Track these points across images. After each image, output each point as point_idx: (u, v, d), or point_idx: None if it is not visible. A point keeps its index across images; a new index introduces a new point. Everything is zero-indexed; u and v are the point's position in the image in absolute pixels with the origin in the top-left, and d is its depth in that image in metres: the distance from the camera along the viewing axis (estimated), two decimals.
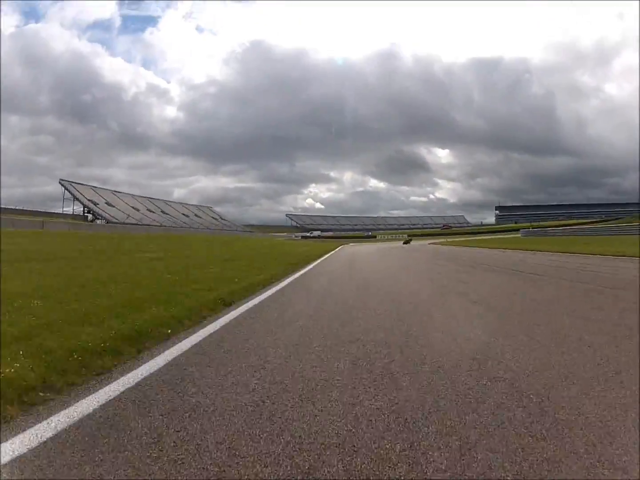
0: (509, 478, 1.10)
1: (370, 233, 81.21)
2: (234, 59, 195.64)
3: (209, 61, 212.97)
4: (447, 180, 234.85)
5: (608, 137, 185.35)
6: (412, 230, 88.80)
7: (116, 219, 60.48)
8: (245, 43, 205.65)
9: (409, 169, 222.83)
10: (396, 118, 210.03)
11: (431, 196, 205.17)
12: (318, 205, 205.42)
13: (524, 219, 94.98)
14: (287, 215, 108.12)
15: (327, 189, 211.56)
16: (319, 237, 71.37)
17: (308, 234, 76.96)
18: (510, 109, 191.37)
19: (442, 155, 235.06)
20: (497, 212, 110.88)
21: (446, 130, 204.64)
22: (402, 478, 1.12)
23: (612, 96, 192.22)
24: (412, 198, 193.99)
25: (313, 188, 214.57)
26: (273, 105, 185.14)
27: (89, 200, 65.29)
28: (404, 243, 39.59)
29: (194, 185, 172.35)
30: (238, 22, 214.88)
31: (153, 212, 75.94)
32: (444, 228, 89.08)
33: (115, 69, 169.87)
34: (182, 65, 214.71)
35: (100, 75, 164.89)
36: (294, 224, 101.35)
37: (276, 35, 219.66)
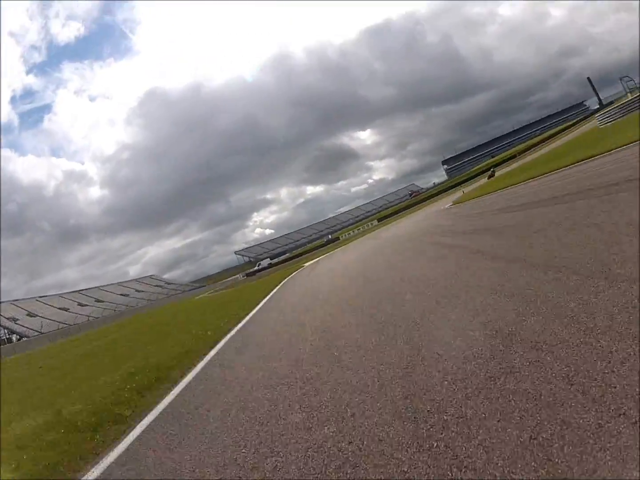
0: None
1: (330, 236, 67.73)
2: (133, 115, 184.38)
3: (112, 127, 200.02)
4: (379, 160, 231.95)
5: (517, 57, 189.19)
6: (375, 215, 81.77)
7: (35, 330, 49.55)
8: (140, 95, 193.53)
9: (338, 162, 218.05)
10: (308, 117, 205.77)
11: (370, 180, 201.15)
12: (268, 231, 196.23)
13: (472, 164, 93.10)
14: (235, 253, 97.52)
15: (269, 213, 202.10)
16: (269, 265, 59.95)
17: (257, 267, 64.75)
18: (414, 66, 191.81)
19: (364, 136, 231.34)
20: (445, 166, 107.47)
21: (360, 111, 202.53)
22: None
23: (508, 17, 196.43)
24: (354, 190, 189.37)
25: (256, 217, 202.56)
26: (187, 149, 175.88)
27: (8, 318, 54.06)
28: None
29: (145, 257, 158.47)
30: (127, 77, 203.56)
31: (86, 305, 65.32)
32: (414, 196, 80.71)
33: (29, 167, 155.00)
34: (89, 142, 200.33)
35: (18, 179, 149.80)
36: (246, 259, 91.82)
37: (168, 77, 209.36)
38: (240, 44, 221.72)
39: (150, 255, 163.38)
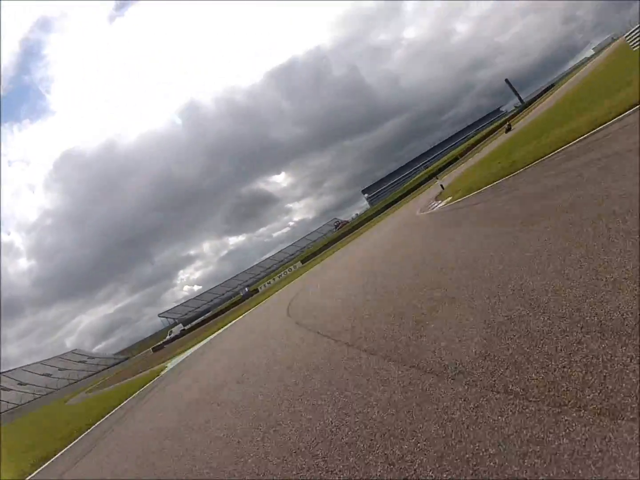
0: None
1: (247, 289, 62.60)
2: (51, 179, 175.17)
3: (32, 193, 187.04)
4: (297, 201, 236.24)
5: (426, 78, 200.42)
6: (298, 256, 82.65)
7: None
8: (56, 158, 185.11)
9: (257, 209, 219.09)
10: (222, 166, 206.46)
11: (291, 223, 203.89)
12: (196, 287, 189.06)
13: (393, 188, 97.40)
14: (159, 316, 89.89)
15: (194, 269, 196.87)
16: (181, 333, 53.31)
17: (169, 336, 57.40)
18: (322, 101, 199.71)
19: (280, 180, 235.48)
20: (366, 195, 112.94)
21: (273, 154, 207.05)
22: None
23: (414, 39, 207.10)
24: (275, 234, 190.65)
25: (182, 274, 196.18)
26: (106, 212, 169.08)
27: None
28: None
29: (80, 326, 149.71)
30: (43, 139, 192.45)
31: (9, 389, 59.73)
32: (340, 226, 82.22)
33: None
34: (12, 210, 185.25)
35: None
36: (171, 321, 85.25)
37: (82, 136, 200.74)
38: (150, 97, 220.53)
39: (84, 324, 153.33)
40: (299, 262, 57.79)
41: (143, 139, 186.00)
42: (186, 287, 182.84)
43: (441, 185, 23.56)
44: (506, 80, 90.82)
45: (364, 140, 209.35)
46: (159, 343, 54.04)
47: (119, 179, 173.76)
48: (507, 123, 41.14)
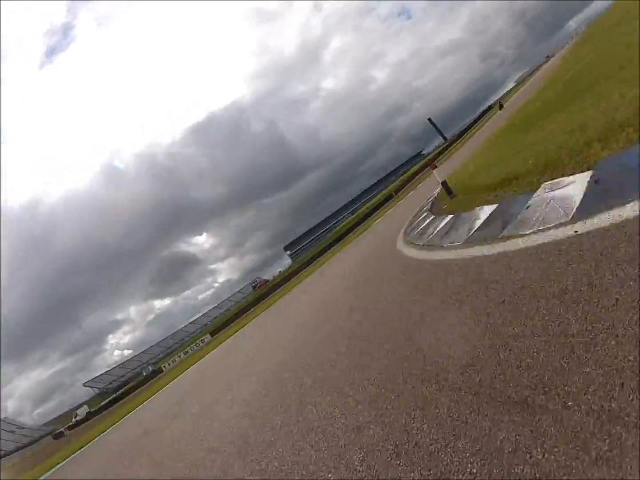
0: None
1: (151, 368, 54.46)
2: None
3: None
4: (220, 262, 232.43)
5: (343, 129, 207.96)
6: (223, 314, 77.05)
7: None
8: None
9: (181, 271, 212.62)
10: (144, 227, 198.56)
11: (216, 284, 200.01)
12: (126, 352, 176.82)
13: (315, 243, 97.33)
14: (84, 385, 79.01)
15: (123, 334, 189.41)
16: (88, 415, 46.27)
17: (74, 419, 49.94)
18: (241, 158, 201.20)
19: (202, 240, 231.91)
20: (288, 252, 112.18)
21: (193, 215, 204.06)
22: None
23: (332, 89, 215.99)
24: (201, 297, 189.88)
25: (112, 339, 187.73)
26: (30, 275, 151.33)
27: None
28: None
29: (17, 391, 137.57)
30: None
31: None
32: (259, 286, 77.12)
33: None
34: None
35: None
36: (97, 391, 75.44)
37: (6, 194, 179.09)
38: (72, 156, 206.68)
39: (21, 389, 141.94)
40: (213, 332, 51.26)
41: (67, 199, 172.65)
42: (117, 352, 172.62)
43: (444, 186, 9.19)
44: (429, 119, 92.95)
45: (285, 196, 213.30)
46: (60, 430, 46.45)
47: (41, 240, 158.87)
48: (499, 102, 47.26)
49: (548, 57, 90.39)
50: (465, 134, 56.05)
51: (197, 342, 51.01)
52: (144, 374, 54.14)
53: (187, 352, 49.16)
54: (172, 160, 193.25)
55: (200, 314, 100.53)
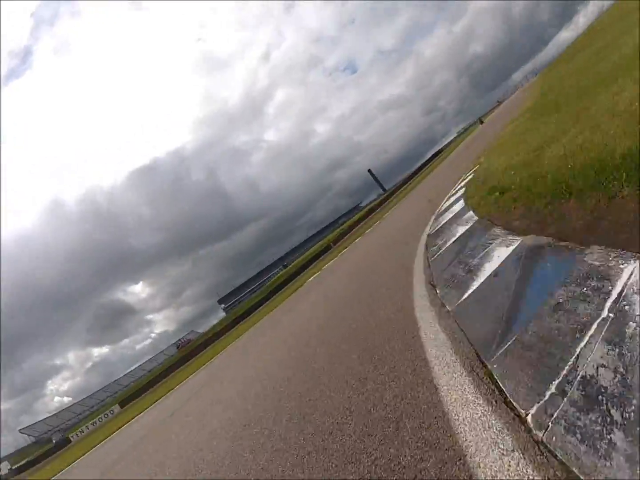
0: None
1: (55, 440, 46.77)
2: None
3: None
4: (157, 312, 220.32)
5: (283, 181, 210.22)
6: (139, 379, 69.05)
7: None
8: None
9: (118, 320, 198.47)
10: (82, 273, 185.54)
11: (152, 335, 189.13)
12: (66, 399, 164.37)
13: (249, 295, 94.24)
14: (20, 431, 69.45)
15: (62, 380, 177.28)
16: (9, 472, 39.05)
17: None
18: (181, 206, 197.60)
19: (138, 290, 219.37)
20: (222, 305, 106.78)
21: (130, 263, 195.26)
22: None
23: (274, 141, 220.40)
24: (138, 347, 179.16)
25: (51, 384, 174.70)
26: None
27: None
28: None
29: None
30: None
31: None
32: (183, 346, 69.81)
33: None
34: None
35: None
36: (32, 438, 65.93)
37: None
38: (11, 195, 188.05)
39: None
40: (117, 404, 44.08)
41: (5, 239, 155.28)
42: (57, 399, 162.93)
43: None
44: (369, 170, 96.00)
45: (223, 247, 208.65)
46: None
47: None
48: (479, 119, 54.77)
49: (499, 102, 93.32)
50: (406, 184, 57.21)
51: (106, 412, 44.44)
52: (54, 440, 46.62)
53: (95, 423, 42.79)
54: (112, 204, 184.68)
55: (138, 364, 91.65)
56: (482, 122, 57.78)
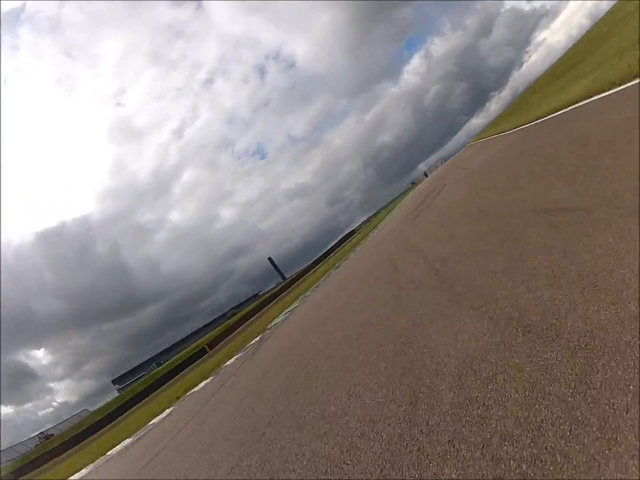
0: None
1: None
2: None
3: None
4: (58, 381, 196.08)
5: (184, 263, 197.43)
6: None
7: None
8: None
9: (21, 383, 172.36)
10: None
11: (54, 404, 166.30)
12: None
13: (144, 376, 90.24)
14: None
15: None
16: None
17: None
18: (85, 277, 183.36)
19: (40, 355, 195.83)
20: (116, 386, 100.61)
21: (32, 327, 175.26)
22: None
23: (178, 222, 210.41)
24: (41, 413, 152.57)
25: None
26: None
27: None
28: None
29: None
30: None
31: None
32: (40, 443, 58.44)
33: None
34: None
35: None
36: None
37: None
38: None
39: None
40: None
41: None
42: None
43: None
44: (269, 258, 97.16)
45: (124, 324, 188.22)
46: None
47: None
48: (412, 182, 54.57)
49: (414, 184, 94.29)
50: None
51: None
52: None
53: None
54: (18, 264, 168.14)
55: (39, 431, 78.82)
56: (426, 175, 58.85)
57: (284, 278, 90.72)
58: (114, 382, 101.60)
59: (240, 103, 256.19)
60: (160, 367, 73.73)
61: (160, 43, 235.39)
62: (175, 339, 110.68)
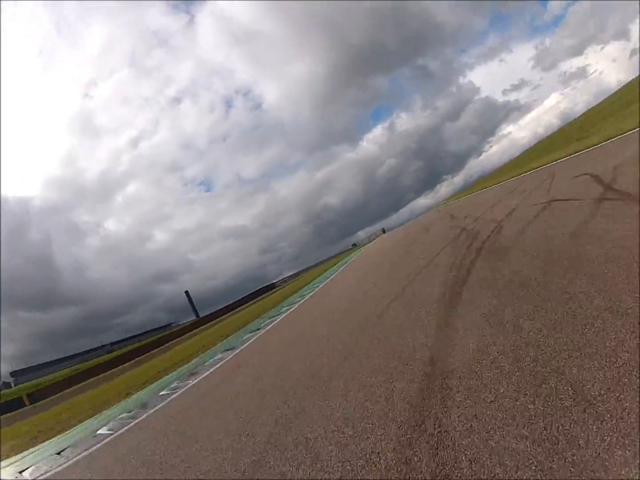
0: None
1: None
2: None
3: None
4: None
5: (111, 276, 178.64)
6: None
7: None
8: None
9: None
10: None
11: None
12: None
13: (50, 373, 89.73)
14: None
15: None
16: None
17: None
18: (10, 258, 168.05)
19: None
20: (14, 379, 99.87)
21: None
22: None
23: (112, 232, 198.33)
24: None
25: None
26: None
27: None
28: None
29: None
30: None
31: None
32: None
33: None
34: None
35: None
36: None
37: None
38: None
39: None
40: None
41: None
42: None
43: None
44: (186, 292, 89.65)
45: (42, 318, 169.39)
46: None
47: None
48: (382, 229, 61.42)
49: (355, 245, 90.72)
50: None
51: None
52: None
53: None
54: None
55: None
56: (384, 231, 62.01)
57: (197, 315, 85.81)
58: (14, 374, 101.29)
59: (201, 131, 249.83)
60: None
61: (142, 47, 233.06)
62: (85, 348, 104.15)
